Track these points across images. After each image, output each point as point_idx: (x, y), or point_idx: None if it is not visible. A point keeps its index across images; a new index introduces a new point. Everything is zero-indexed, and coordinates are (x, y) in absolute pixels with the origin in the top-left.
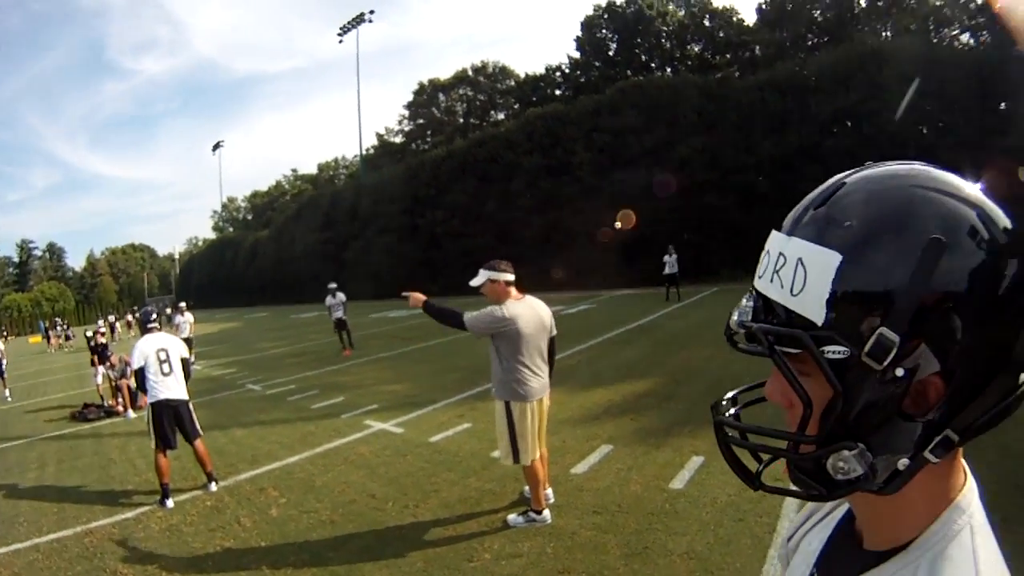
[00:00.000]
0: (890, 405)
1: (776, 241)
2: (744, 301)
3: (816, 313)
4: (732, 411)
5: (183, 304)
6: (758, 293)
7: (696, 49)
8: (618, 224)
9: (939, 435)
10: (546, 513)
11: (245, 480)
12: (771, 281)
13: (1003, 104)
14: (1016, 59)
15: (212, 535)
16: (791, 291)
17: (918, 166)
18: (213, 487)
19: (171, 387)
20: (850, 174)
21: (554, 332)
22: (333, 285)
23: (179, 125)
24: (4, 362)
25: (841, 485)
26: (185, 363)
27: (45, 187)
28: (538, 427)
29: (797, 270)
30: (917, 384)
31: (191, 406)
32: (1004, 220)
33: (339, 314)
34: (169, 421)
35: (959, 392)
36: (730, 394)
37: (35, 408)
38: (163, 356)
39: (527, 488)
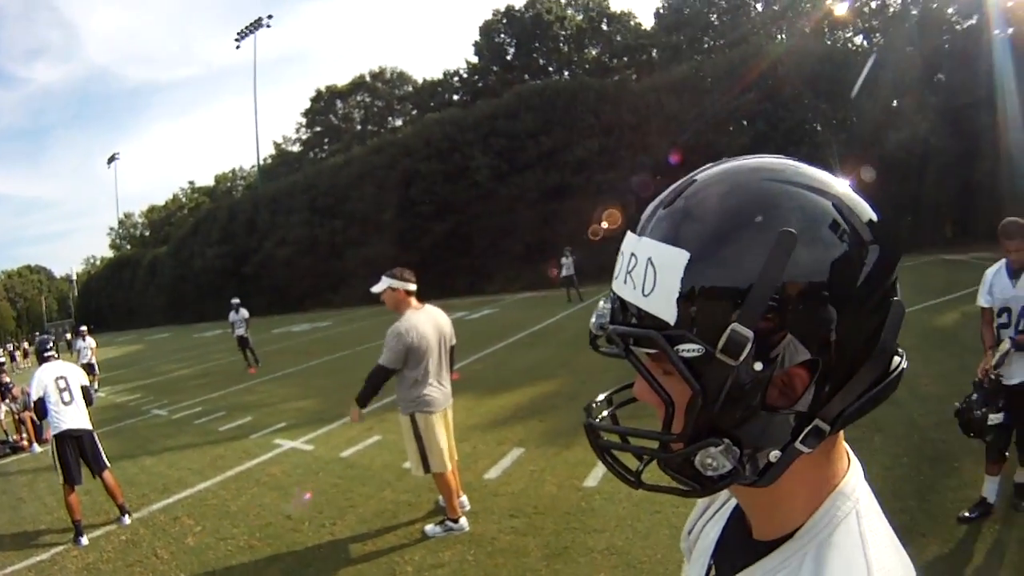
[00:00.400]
0: (752, 399)
1: (629, 242)
2: (602, 303)
3: (667, 312)
4: (606, 412)
5: (84, 328)
6: (615, 295)
7: (594, 53)
8: (604, 224)
9: (809, 425)
10: (463, 521)
11: (158, 510)
12: (624, 282)
13: (895, 101)
14: (910, 58)
15: (131, 571)
16: (643, 291)
17: (771, 159)
18: (127, 520)
19: (73, 417)
20: (702, 170)
21: (453, 342)
22: (236, 301)
23: (72, 137)
24: None
25: (713, 480)
26: (86, 391)
27: None
28: (447, 436)
29: (648, 270)
30: (783, 375)
31: (95, 436)
32: (867, 212)
33: (241, 331)
34: (74, 453)
35: (826, 381)
36: (602, 396)
37: None
38: (63, 384)
39: (441, 498)
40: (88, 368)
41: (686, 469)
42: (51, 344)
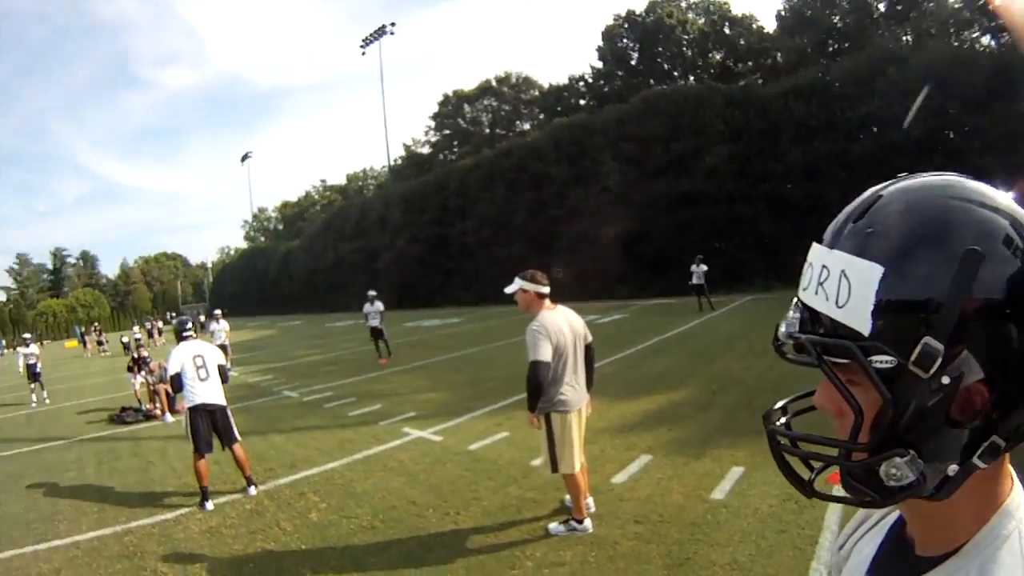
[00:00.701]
0: (938, 412)
1: (818, 254)
2: (791, 313)
3: (862, 324)
4: (783, 420)
5: (218, 312)
6: (804, 304)
7: (718, 57)
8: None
9: (986, 441)
10: (587, 522)
11: (285, 485)
12: (816, 293)
13: None
14: None
15: (252, 537)
16: (836, 303)
17: (951, 177)
18: (252, 491)
19: (208, 392)
20: (886, 186)
21: (589, 339)
22: (372, 293)
23: (206, 137)
24: (40, 365)
25: (894, 491)
26: (222, 370)
27: (76, 197)
28: (579, 436)
29: (841, 282)
30: (963, 391)
31: (228, 411)
32: None
33: (375, 322)
34: (206, 426)
35: (1004, 398)
36: (780, 403)
37: (73, 411)
38: (199, 362)
39: (568, 497)
40: (222, 349)
41: (868, 479)
42: (190, 325)
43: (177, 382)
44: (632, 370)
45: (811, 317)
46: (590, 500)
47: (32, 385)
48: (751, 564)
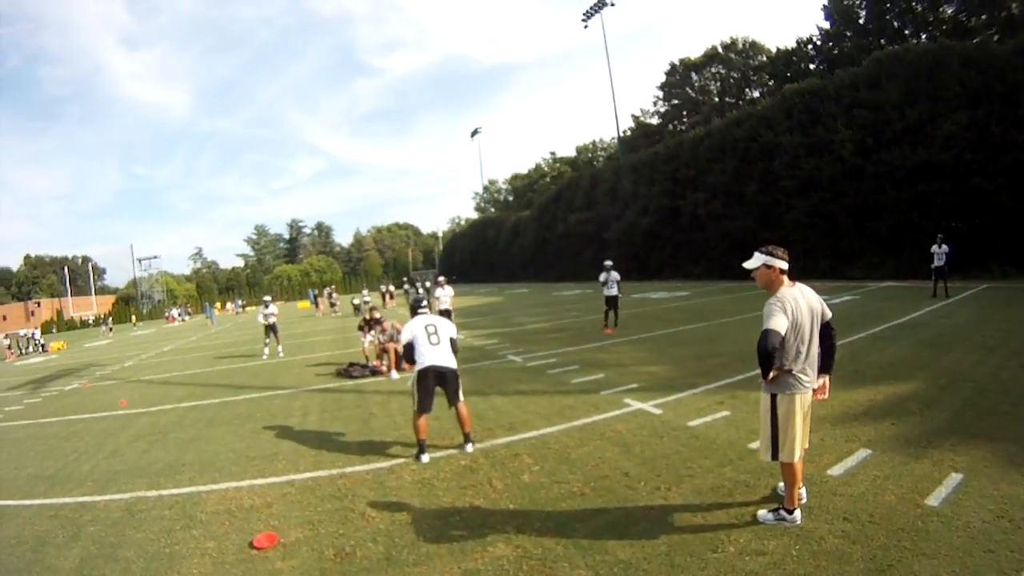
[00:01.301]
0: None
1: None
2: None
3: None
4: None
5: (442, 278)
6: None
7: (949, 11)
8: None
9: None
10: (797, 513)
11: (501, 445)
12: None
13: None
14: None
15: (463, 492)
16: None
17: None
18: (469, 448)
19: (439, 356)
20: None
21: (828, 316)
22: (609, 263)
23: (435, 114)
24: (276, 323)
25: None
26: (454, 343)
27: (310, 175)
28: (804, 423)
29: None
30: None
31: (458, 374)
32: None
33: (612, 291)
34: (430, 386)
35: None
36: None
37: (302, 364)
38: (431, 330)
39: (781, 485)
40: (445, 314)
41: None
42: (425, 303)
43: (408, 352)
44: (860, 356)
45: None
46: (803, 491)
47: (267, 340)
48: None
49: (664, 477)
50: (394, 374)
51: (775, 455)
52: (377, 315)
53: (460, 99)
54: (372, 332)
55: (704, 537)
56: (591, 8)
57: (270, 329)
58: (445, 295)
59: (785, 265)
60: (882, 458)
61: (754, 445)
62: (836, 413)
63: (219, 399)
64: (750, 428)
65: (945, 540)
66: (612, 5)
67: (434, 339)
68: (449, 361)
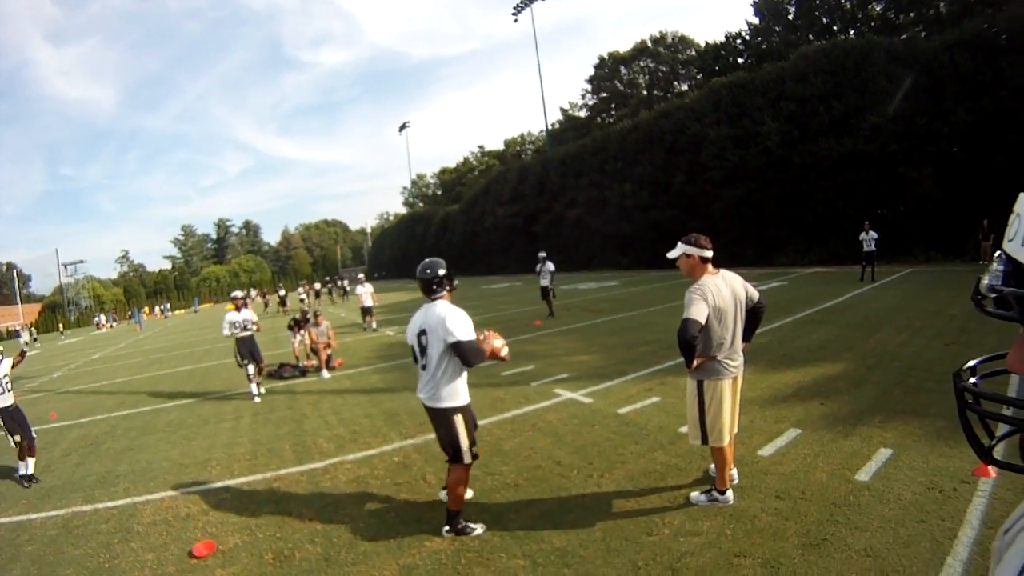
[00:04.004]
0: None
1: None
2: (995, 265)
3: None
4: (973, 380)
5: (361, 275)
6: (1008, 256)
7: (878, 8)
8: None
9: None
10: (729, 494)
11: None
12: (1022, 244)
13: None
14: None
15: (398, 489)
16: None
17: None
18: (325, 374)
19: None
20: None
21: (756, 298)
22: (543, 254)
23: (363, 110)
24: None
25: None
26: (463, 351)
27: (238, 172)
28: (732, 407)
29: None
30: None
31: (450, 418)
32: None
33: (545, 282)
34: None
35: None
36: (971, 363)
37: (234, 366)
38: (423, 340)
39: (712, 467)
40: (366, 311)
41: None
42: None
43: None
44: (788, 340)
45: (1015, 270)
46: (734, 472)
47: (243, 362)
48: (886, 552)
49: (596, 465)
50: (325, 373)
51: (704, 440)
52: (306, 310)
53: (389, 94)
54: (302, 332)
55: (639, 521)
56: (521, 2)
57: (245, 348)
58: (365, 292)
59: (707, 253)
60: (812, 437)
61: (684, 429)
62: (765, 395)
63: (150, 407)
64: (680, 413)
65: (877, 512)
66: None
67: (422, 357)
68: (433, 394)
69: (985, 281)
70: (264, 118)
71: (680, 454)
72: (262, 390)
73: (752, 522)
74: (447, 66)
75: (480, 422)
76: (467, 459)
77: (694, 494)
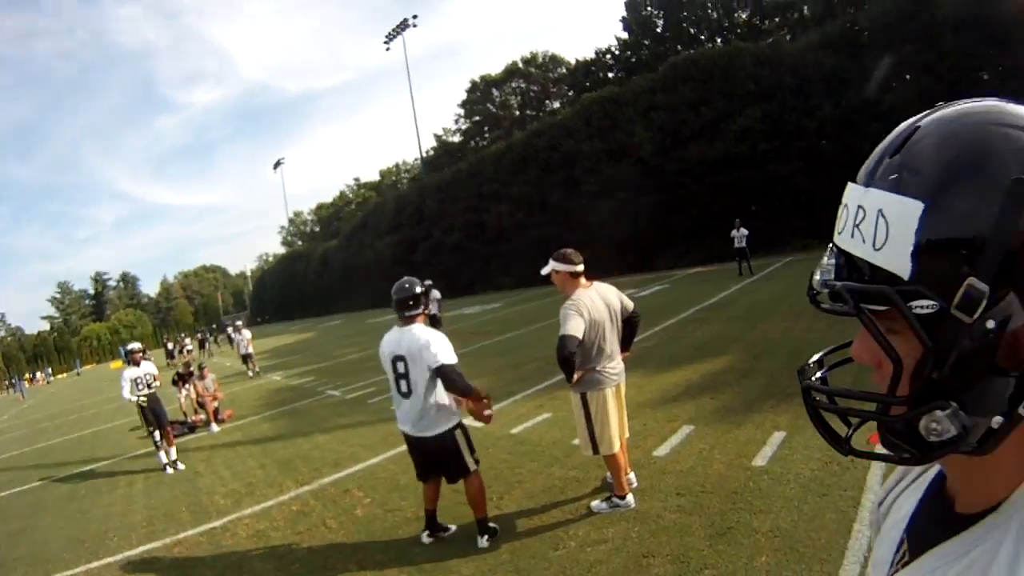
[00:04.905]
0: (983, 360)
1: (853, 193)
2: (825, 259)
3: (901, 266)
4: (819, 374)
5: (240, 323)
6: (839, 250)
7: (744, 16)
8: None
9: None
10: (629, 498)
11: (329, 483)
12: (852, 236)
13: None
14: None
15: (299, 538)
16: (873, 245)
17: (992, 102)
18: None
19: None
20: (923, 117)
21: (630, 309)
22: (428, 282)
23: (237, 149)
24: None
25: (935, 447)
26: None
27: (114, 221)
28: (618, 414)
29: (878, 222)
30: (1009, 336)
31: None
32: None
33: (433, 310)
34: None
35: None
36: (816, 357)
37: (123, 429)
38: (400, 368)
39: (610, 474)
40: (245, 358)
41: (908, 435)
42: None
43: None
44: (673, 341)
45: (847, 262)
46: (632, 475)
47: (149, 430)
48: (794, 529)
49: (495, 487)
50: (214, 427)
51: (596, 450)
52: (191, 367)
53: (263, 131)
54: (187, 386)
55: (544, 537)
56: (393, 30)
57: (150, 411)
58: (243, 339)
59: (577, 268)
60: (705, 431)
61: (577, 442)
62: (656, 397)
63: (40, 481)
64: (572, 426)
65: (779, 494)
66: (414, 26)
67: (403, 385)
68: (427, 423)
69: (817, 276)
70: (138, 163)
71: (577, 466)
72: (173, 456)
73: (656, 522)
74: (320, 99)
75: (375, 459)
76: (473, 466)
77: (595, 503)
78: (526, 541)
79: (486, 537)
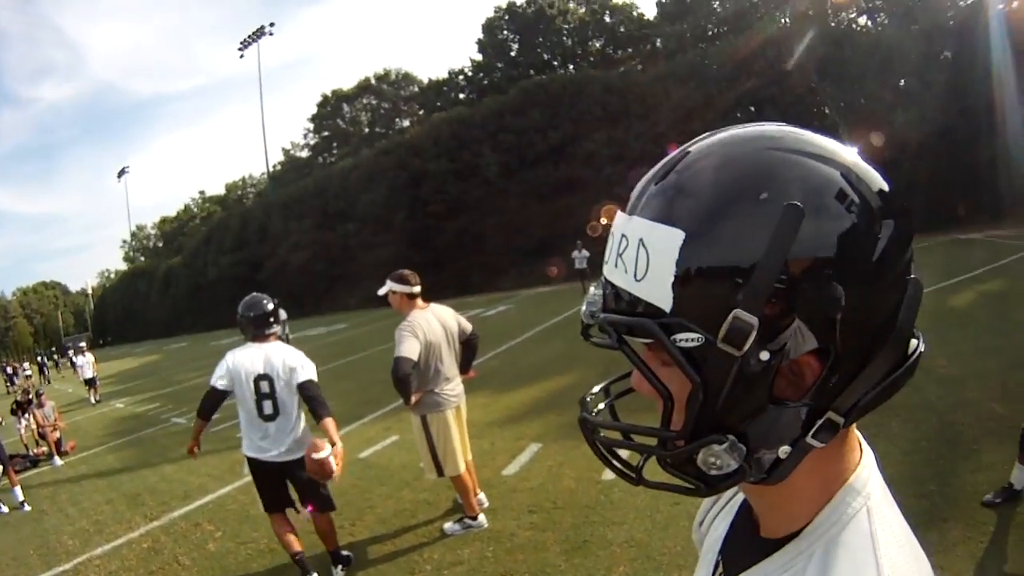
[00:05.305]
0: (759, 392)
1: (619, 222)
2: (593, 290)
3: (662, 298)
4: (602, 405)
5: (83, 345)
6: (606, 280)
7: (598, 45)
8: (604, 220)
9: (821, 418)
10: (481, 518)
11: (179, 517)
12: (616, 266)
13: (902, 81)
14: (914, 37)
15: None
16: (635, 275)
17: (773, 127)
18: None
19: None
20: (696, 141)
21: (468, 333)
22: (276, 301)
23: (82, 153)
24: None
25: (717, 480)
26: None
27: None
28: (460, 435)
29: (639, 252)
30: (791, 365)
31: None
32: (878, 182)
33: (276, 331)
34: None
35: (839, 370)
36: (598, 387)
37: None
38: (264, 388)
39: (459, 495)
40: (90, 382)
41: (689, 468)
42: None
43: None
44: (518, 360)
45: (613, 294)
46: (482, 495)
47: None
48: (648, 539)
49: (346, 514)
50: (57, 460)
51: (440, 472)
52: (30, 396)
53: (109, 135)
54: (27, 415)
55: (399, 563)
56: (249, 37)
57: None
58: (87, 362)
59: (414, 289)
60: (553, 448)
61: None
62: (501, 417)
63: None
64: None
65: (630, 505)
66: (271, 35)
67: (267, 406)
68: (294, 443)
69: (583, 308)
70: None
71: (427, 488)
72: (20, 496)
73: (511, 540)
74: (169, 103)
75: (224, 490)
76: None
77: (448, 525)
78: (382, 567)
79: (340, 567)
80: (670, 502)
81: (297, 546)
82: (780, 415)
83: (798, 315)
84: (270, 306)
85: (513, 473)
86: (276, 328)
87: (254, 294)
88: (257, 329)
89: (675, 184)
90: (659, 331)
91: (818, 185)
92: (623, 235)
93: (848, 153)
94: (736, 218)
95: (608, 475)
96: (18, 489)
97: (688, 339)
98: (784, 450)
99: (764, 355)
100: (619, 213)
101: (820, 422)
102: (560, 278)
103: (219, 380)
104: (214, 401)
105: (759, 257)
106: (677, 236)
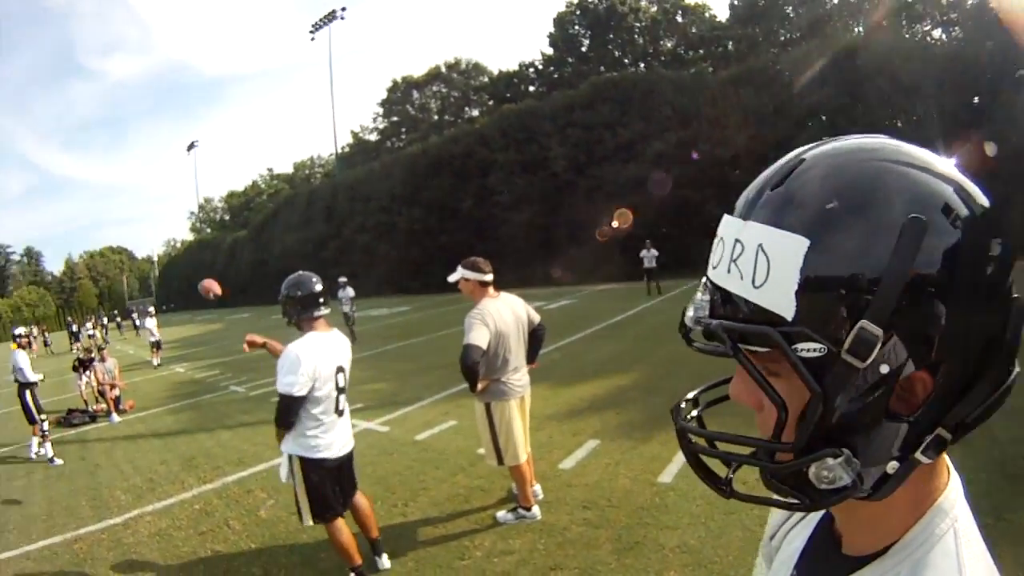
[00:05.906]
0: (877, 406)
1: (730, 226)
2: (699, 295)
3: (784, 306)
4: (694, 413)
5: (151, 309)
6: (715, 285)
7: (669, 45)
8: (615, 223)
9: (930, 434)
10: (535, 509)
11: (232, 482)
12: (728, 271)
13: (976, 98)
14: (990, 53)
15: (202, 539)
16: (753, 282)
17: (884, 139)
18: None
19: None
20: (808, 149)
21: (536, 321)
22: (343, 279)
23: (151, 126)
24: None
25: (826, 495)
26: None
27: (21, 191)
28: (522, 425)
29: (758, 258)
30: (904, 381)
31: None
32: (982, 198)
33: (346, 308)
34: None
35: (950, 387)
36: (691, 394)
37: (19, 415)
38: (341, 381)
39: (515, 485)
40: (155, 344)
41: (796, 481)
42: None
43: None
44: (580, 355)
45: (724, 299)
46: (537, 487)
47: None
48: (701, 546)
49: (399, 494)
50: (115, 417)
51: (500, 460)
52: (92, 354)
53: (178, 110)
54: (87, 372)
55: (449, 547)
56: (321, 20)
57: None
58: (152, 325)
59: (485, 277)
60: (611, 446)
61: (482, 451)
62: (561, 411)
63: None
64: (477, 434)
65: (685, 510)
66: (342, 19)
67: (343, 400)
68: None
69: (690, 313)
70: (49, 131)
71: (482, 476)
72: (43, 449)
73: (563, 534)
74: (239, 83)
75: (278, 459)
76: None
77: (501, 513)
78: (431, 550)
79: (385, 556)
80: (725, 511)
81: (359, 558)
82: (892, 431)
83: (913, 331)
84: (319, 286)
85: (569, 468)
86: (326, 310)
87: (301, 272)
88: (305, 311)
89: (793, 191)
90: (781, 339)
91: (931, 198)
92: (737, 240)
93: (951, 166)
94: (859, 229)
95: (664, 478)
96: (49, 445)
97: (810, 348)
98: (892, 465)
99: (884, 368)
100: (728, 217)
101: (929, 439)
102: (624, 276)
103: (298, 388)
104: (295, 411)
105: (882, 270)
106: (802, 244)
